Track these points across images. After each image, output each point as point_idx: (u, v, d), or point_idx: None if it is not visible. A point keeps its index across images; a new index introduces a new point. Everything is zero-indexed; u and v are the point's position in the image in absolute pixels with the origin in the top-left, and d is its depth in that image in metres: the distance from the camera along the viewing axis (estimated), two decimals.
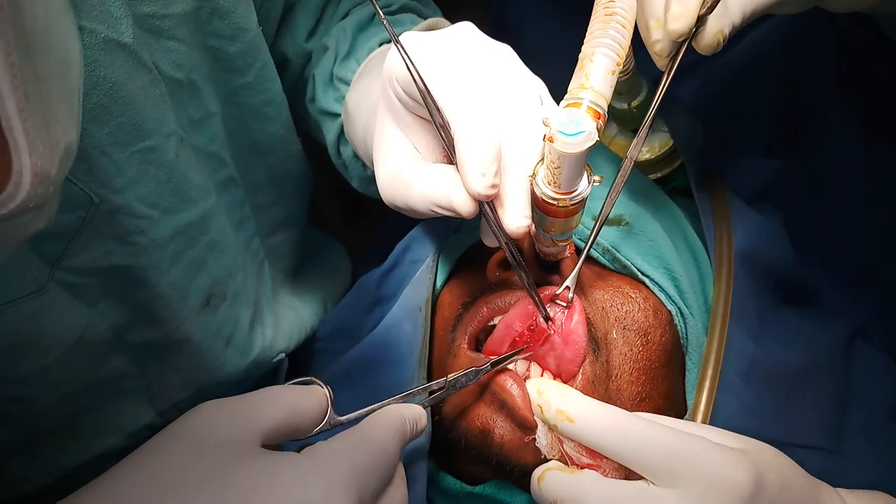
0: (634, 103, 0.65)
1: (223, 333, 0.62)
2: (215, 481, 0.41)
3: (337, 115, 0.71)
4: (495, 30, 1.05)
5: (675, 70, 0.52)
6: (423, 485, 0.56)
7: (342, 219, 1.13)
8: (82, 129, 0.45)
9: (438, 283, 0.65)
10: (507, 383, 0.53)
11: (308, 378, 0.52)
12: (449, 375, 0.54)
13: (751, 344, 0.64)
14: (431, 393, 0.54)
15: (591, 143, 0.43)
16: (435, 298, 0.65)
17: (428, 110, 0.50)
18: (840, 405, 0.67)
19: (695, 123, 0.69)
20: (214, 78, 0.58)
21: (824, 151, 0.80)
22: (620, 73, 0.61)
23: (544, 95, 0.54)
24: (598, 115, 0.46)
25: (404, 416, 0.50)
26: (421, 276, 0.66)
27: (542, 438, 0.51)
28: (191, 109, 0.56)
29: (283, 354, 0.72)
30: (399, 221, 0.85)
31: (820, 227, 0.81)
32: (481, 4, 1.19)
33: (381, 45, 0.71)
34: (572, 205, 0.47)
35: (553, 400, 0.49)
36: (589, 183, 0.47)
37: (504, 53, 0.54)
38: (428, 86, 0.50)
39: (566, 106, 0.46)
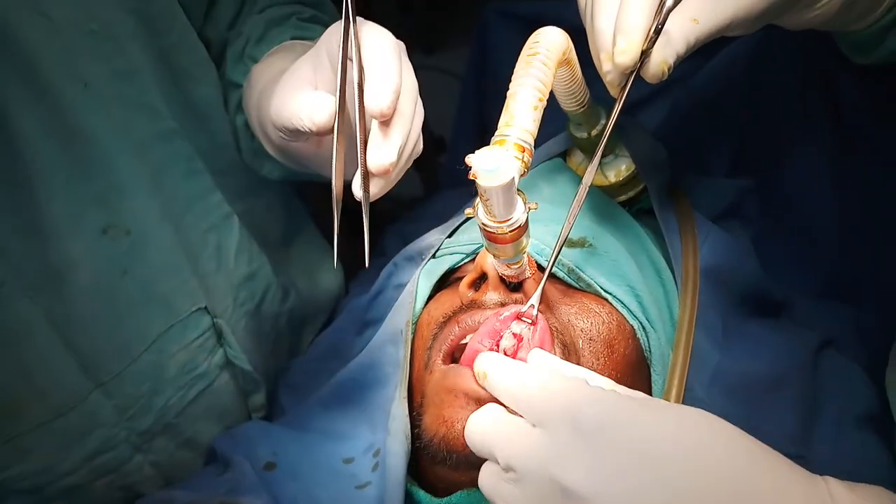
0: (594, 132, 0.69)
1: (119, 263, 0.67)
2: None
3: (240, 86, 0.76)
4: (477, 65, 1.11)
5: (626, 97, 0.56)
6: (401, 489, 0.60)
7: (347, 231, 1.17)
8: None
9: (418, 306, 0.69)
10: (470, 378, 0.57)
11: None
12: None
13: (716, 354, 0.66)
14: None
15: (508, 178, 0.47)
16: (415, 320, 0.68)
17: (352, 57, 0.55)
18: (807, 413, 0.69)
19: (656, 146, 0.73)
20: (140, 37, 0.65)
21: (791, 168, 0.83)
22: (578, 106, 0.66)
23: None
24: (522, 150, 0.51)
25: None
26: (402, 300, 0.70)
27: None
28: (115, 62, 0.63)
29: (203, 305, 0.74)
30: (390, 248, 0.89)
31: (790, 242, 0.84)
32: (463, 44, 1.24)
33: (292, 38, 0.76)
34: (510, 231, 0.52)
35: (480, 362, 0.54)
36: (525, 209, 0.51)
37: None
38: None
39: (494, 143, 0.51)
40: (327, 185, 0.56)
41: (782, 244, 0.84)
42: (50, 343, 0.64)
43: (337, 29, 0.57)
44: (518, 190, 0.51)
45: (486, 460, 0.55)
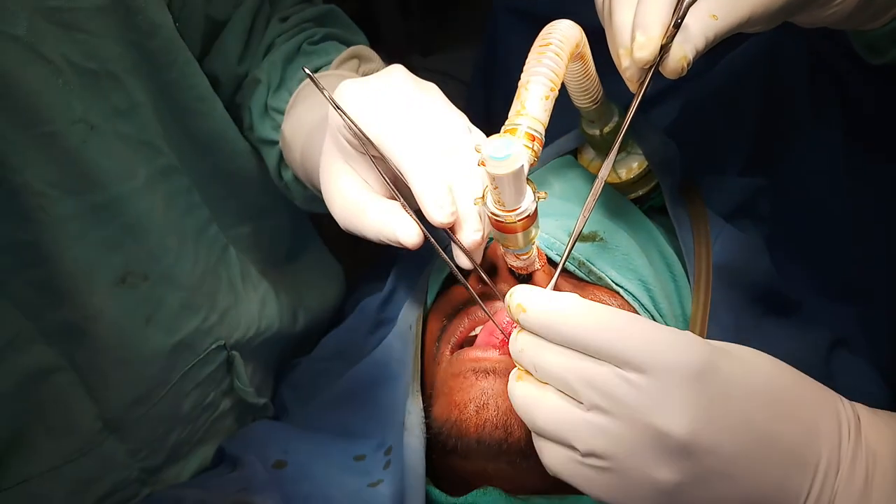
0: (606, 129, 0.69)
1: (142, 311, 0.65)
2: None
3: (275, 143, 0.76)
4: (486, 64, 1.11)
5: (644, 93, 0.55)
6: (422, 485, 0.59)
7: (347, 241, 1.16)
8: None
9: (429, 302, 0.69)
10: (495, 358, 0.57)
11: None
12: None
13: None
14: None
15: (518, 165, 0.47)
16: (425, 316, 0.68)
17: (371, 158, 0.57)
18: None
19: (668, 143, 0.73)
20: (141, 71, 0.62)
21: (805, 166, 0.83)
22: (591, 103, 0.66)
23: (471, 126, 0.60)
24: (533, 139, 0.52)
25: None
26: (413, 297, 0.70)
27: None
28: (114, 99, 0.60)
29: (223, 342, 0.74)
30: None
31: (803, 242, 0.84)
32: (472, 41, 1.24)
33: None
34: (519, 220, 0.51)
35: (516, 295, 0.49)
36: (534, 199, 0.51)
37: (432, 92, 0.60)
38: (370, 135, 0.57)
39: (504, 131, 0.51)
40: None
41: (795, 243, 0.83)
42: (71, 387, 0.64)
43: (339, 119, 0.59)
44: (528, 179, 0.51)
45: (497, 441, 0.56)
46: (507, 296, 0.49)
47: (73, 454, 0.65)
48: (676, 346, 0.44)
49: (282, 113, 0.74)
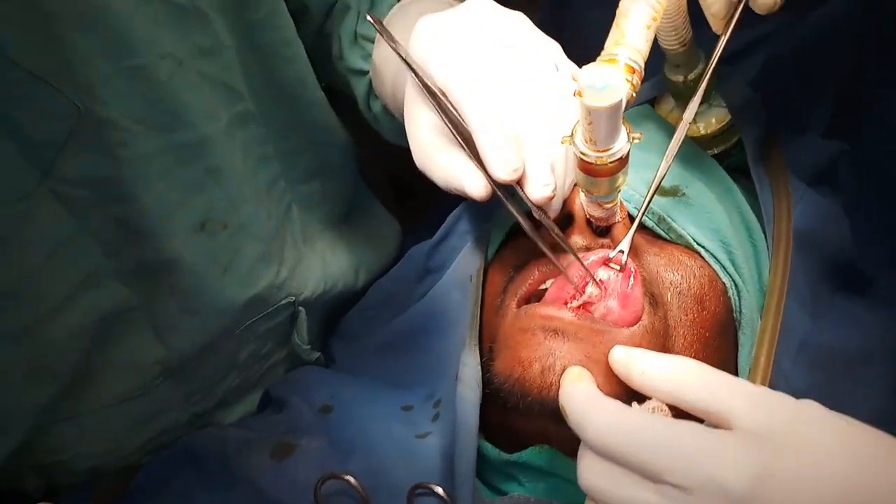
0: (691, 76, 0.64)
1: (220, 260, 0.64)
2: None
3: (365, 73, 0.73)
4: (550, 28, 1.05)
5: (729, 35, 0.51)
6: (474, 435, 0.56)
7: (393, 198, 1.14)
8: (69, 42, 0.48)
9: (490, 253, 0.65)
10: (565, 315, 0.54)
11: None
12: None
13: (807, 323, 0.62)
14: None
15: (618, 98, 0.43)
16: (486, 268, 0.65)
17: (437, 110, 0.54)
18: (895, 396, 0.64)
19: (753, 97, 0.68)
20: (227, 10, 0.59)
21: (891, 133, 0.78)
22: (678, 45, 0.61)
23: (561, 61, 0.56)
24: (633, 71, 0.47)
25: None
26: (472, 245, 0.66)
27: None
28: (198, 37, 0.57)
29: (293, 299, 0.73)
30: (450, 198, 0.86)
31: (882, 213, 0.79)
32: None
33: None
34: (611, 163, 0.47)
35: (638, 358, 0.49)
36: (628, 140, 0.47)
37: (517, 24, 0.56)
38: (437, 80, 0.54)
39: (601, 61, 0.47)
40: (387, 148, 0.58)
41: (873, 215, 0.78)
42: (141, 329, 0.63)
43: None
44: (623, 118, 0.47)
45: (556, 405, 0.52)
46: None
47: (130, 393, 0.66)
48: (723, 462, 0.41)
49: (372, 41, 0.71)
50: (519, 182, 0.53)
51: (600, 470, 0.45)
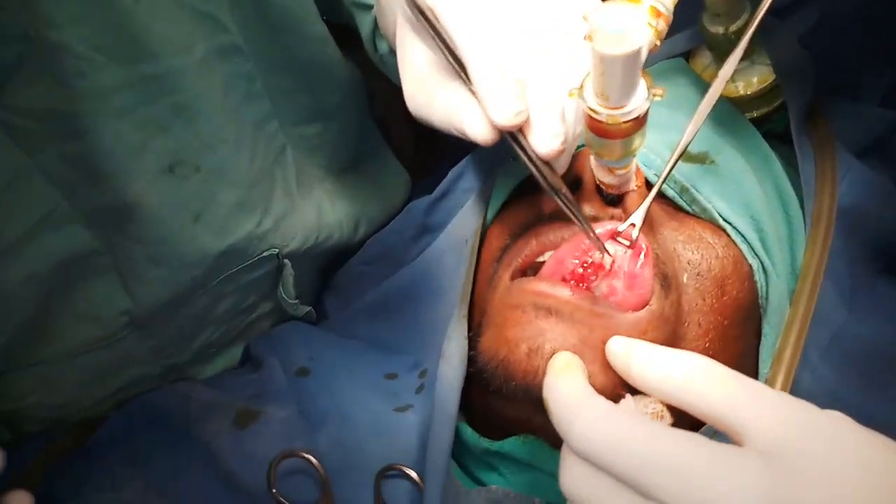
0: (732, 28, 0.57)
1: (191, 206, 0.59)
2: None
3: (370, 7, 0.66)
4: None
5: None
6: (452, 420, 0.51)
7: (414, 145, 1.08)
8: None
9: (490, 215, 0.59)
10: (558, 292, 0.47)
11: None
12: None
13: (843, 312, 0.56)
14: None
15: (637, 44, 0.36)
16: (484, 230, 0.59)
17: (431, 35, 0.46)
18: None
19: (803, 57, 0.61)
20: None
21: None
22: None
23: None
24: (658, 14, 0.40)
25: None
26: (471, 205, 0.61)
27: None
28: None
29: (277, 251, 0.68)
30: (463, 150, 0.80)
31: None
32: None
33: None
34: (625, 123, 0.40)
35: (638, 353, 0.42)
36: (648, 97, 0.40)
37: None
38: (428, 3, 0.46)
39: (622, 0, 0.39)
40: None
41: None
42: (105, 276, 0.60)
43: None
44: (643, 70, 0.40)
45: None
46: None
47: (92, 344, 0.62)
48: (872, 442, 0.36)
49: None
50: (523, 132, 0.45)
51: (583, 474, 0.39)
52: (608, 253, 0.48)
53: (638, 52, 0.37)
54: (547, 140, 0.44)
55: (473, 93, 0.46)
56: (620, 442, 0.37)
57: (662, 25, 0.41)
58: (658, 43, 0.42)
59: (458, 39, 0.45)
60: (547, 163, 0.46)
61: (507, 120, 0.43)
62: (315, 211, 0.73)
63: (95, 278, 0.60)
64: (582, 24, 0.44)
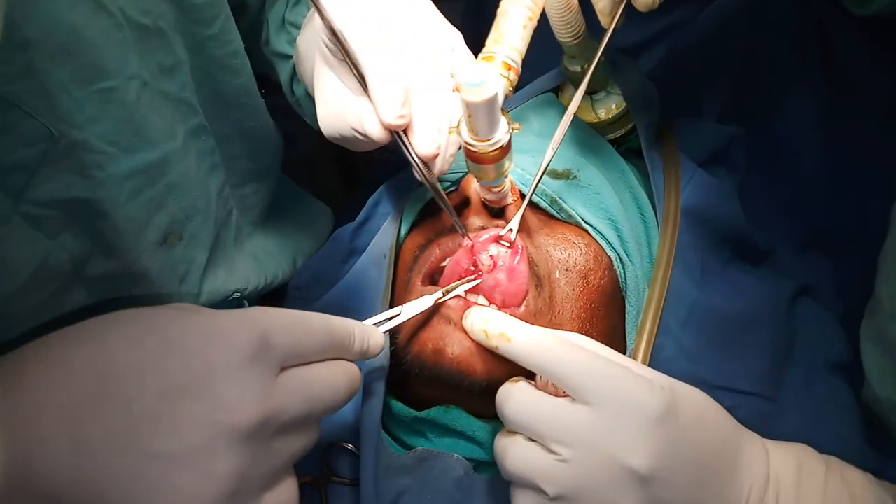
0: (587, 66, 0.68)
1: (178, 271, 0.65)
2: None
3: (289, 57, 0.75)
4: (473, 19, 1.09)
5: (616, 27, 0.56)
6: (380, 398, 0.61)
7: (341, 185, 1.18)
8: (43, 69, 0.49)
9: (403, 232, 0.70)
10: (456, 304, 0.59)
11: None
12: (405, 304, 0.59)
13: (694, 291, 0.68)
14: (390, 320, 0.59)
15: (492, 93, 0.47)
16: (399, 245, 0.70)
17: (342, 54, 0.58)
18: (780, 356, 0.71)
19: (647, 84, 0.73)
20: (181, 28, 0.61)
21: (783, 116, 0.84)
22: (571, 38, 0.66)
23: (458, 45, 0.60)
24: (509, 68, 0.52)
25: (353, 328, 0.54)
26: (387, 226, 0.71)
27: None
28: (160, 56, 0.59)
29: (239, 294, 0.75)
30: (378, 182, 0.89)
31: (776, 191, 0.84)
32: None
33: None
34: (492, 151, 0.52)
35: (497, 323, 0.55)
36: (508, 129, 0.52)
37: (423, 5, 0.60)
38: (342, 33, 0.57)
39: (481, 59, 0.52)
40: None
41: (768, 192, 0.84)
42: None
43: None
44: (502, 110, 0.52)
45: (457, 379, 0.58)
46: (482, 321, 0.56)
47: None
48: (651, 389, 0.51)
49: (298, 27, 0.74)
50: (408, 136, 0.57)
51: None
52: (469, 237, 0.60)
53: (495, 98, 0.49)
54: (426, 143, 0.57)
55: (371, 101, 0.58)
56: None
57: (514, 76, 0.53)
58: (511, 89, 0.54)
59: (360, 57, 0.57)
60: (426, 163, 0.58)
61: (393, 120, 0.56)
62: (252, 262, 0.80)
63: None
64: (450, 79, 0.56)
